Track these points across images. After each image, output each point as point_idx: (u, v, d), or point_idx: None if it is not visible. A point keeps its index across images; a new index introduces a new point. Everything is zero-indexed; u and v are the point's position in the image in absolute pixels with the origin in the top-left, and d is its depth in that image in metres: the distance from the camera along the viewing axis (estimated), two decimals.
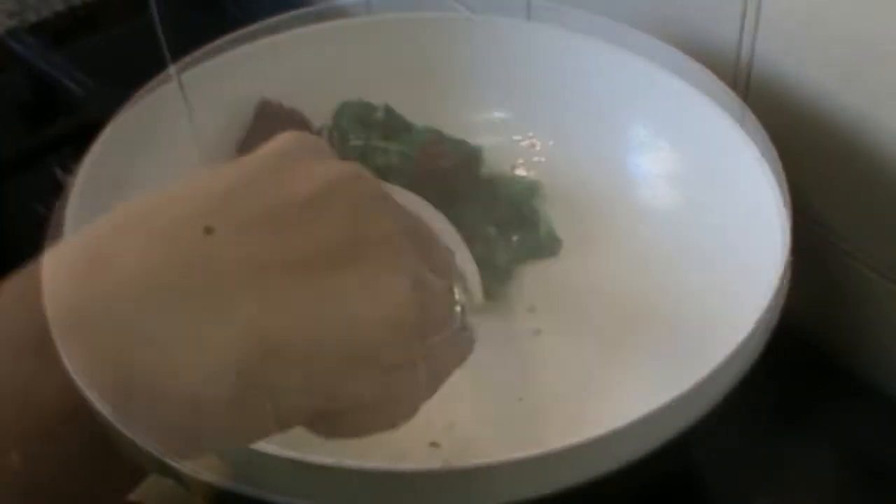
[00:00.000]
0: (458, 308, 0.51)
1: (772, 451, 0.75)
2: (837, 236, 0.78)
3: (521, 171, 0.85)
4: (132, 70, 0.58)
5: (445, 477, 0.57)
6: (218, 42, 0.80)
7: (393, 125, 0.82)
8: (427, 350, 0.49)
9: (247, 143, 0.80)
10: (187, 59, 0.78)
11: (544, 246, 0.80)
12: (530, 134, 0.85)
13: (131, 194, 0.75)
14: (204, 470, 0.57)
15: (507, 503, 0.57)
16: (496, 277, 0.78)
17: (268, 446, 0.56)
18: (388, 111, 0.82)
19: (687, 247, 0.76)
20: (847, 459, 0.76)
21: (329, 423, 0.48)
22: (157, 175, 0.77)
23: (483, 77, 0.84)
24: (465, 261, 0.62)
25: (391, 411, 0.50)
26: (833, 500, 0.74)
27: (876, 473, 0.75)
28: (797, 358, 0.78)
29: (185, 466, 0.57)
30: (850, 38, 0.71)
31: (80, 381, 0.61)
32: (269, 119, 0.81)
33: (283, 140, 0.48)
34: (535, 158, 0.85)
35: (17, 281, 0.46)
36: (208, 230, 0.45)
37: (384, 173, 0.77)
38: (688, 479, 0.74)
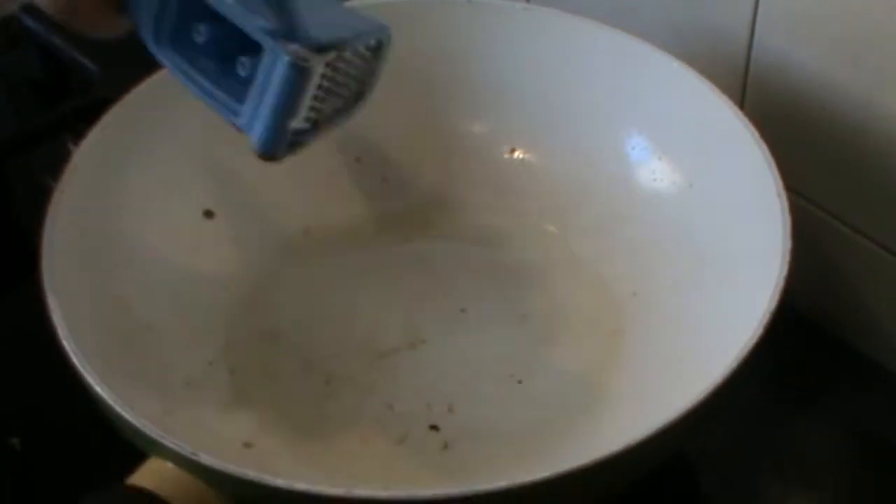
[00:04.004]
0: None
1: (777, 432, 0.75)
2: (840, 218, 0.78)
3: (518, 154, 0.85)
4: (145, 48, 0.58)
5: None
6: None
7: None
8: None
9: None
10: None
11: None
12: (528, 117, 0.85)
13: (131, 174, 0.75)
14: (202, 452, 0.57)
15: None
16: None
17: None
18: None
19: (686, 230, 0.76)
20: (854, 439, 0.76)
21: None
22: (159, 156, 0.77)
23: (483, 60, 0.84)
24: None
25: None
26: (841, 480, 0.74)
27: (884, 452, 0.75)
28: (801, 338, 0.79)
29: (184, 449, 0.57)
30: (852, 19, 0.71)
31: (81, 367, 0.61)
32: None
33: None
34: (533, 141, 0.85)
35: None
36: None
37: None
38: (693, 463, 0.74)
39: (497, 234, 0.82)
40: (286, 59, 0.53)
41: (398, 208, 0.84)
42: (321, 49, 0.54)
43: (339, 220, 0.83)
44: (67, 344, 0.62)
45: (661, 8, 0.82)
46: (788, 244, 0.66)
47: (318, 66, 0.54)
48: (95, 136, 0.74)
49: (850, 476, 0.74)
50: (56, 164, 0.72)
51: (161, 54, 0.58)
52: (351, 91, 0.58)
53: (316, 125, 0.57)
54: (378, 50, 0.58)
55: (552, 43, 0.83)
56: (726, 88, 0.75)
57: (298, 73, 0.54)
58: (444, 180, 0.84)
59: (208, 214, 0.79)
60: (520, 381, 0.73)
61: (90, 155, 0.73)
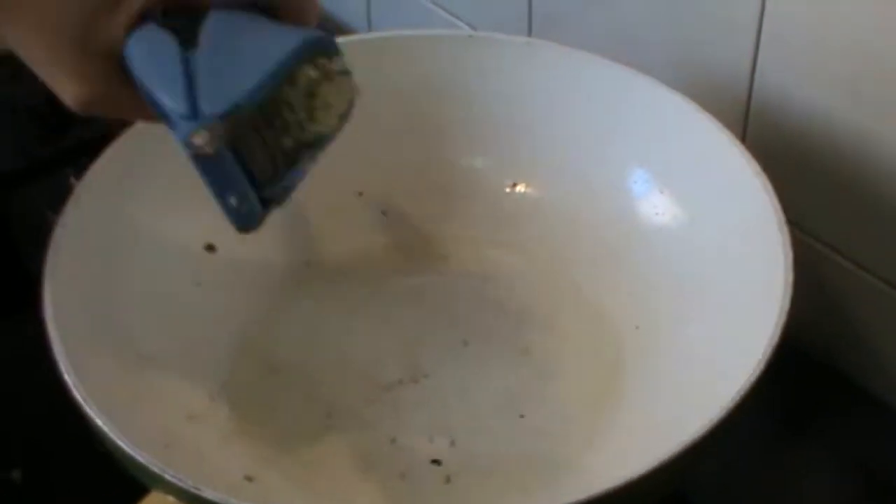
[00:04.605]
0: None
1: (777, 466, 0.75)
2: (841, 251, 0.78)
3: (519, 188, 0.85)
4: None
5: None
6: None
7: None
8: None
9: None
10: None
11: None
12: (530, 151, 0.85)
13: (133, 208, 0.75)
14: (203, 486, 0.57)
15: None
16: None
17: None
18: None
19: (688, 264, 0.76)
20: (855, 474, 0.76)
21: None
22: (160, 190, 0.77)
23: (484, 94, 0.84)
24: None
25: None
26: None
27: (884, 488, 0.75)
28: (802, 372, 0.78)
29: (185, 482, 0.57)
30: (852, 54, 0.71)
31: (82, 401, 0.61)
32: None
33: None
34: (534, 175, 0.85)
35: None
36: None
37: None
38: (689, 492, 0.73)
39: (498, 267, 0.82)
40: (186, 151, 0.52)
41: (399, 242, 0.84)
42: (220, 118, 0.52)
43: (340, 253, 0.83)
44: (69, 377, 0.62)
45: (663, 42, 0.82)
46: (790, 277, 0.66)
47: (218, 141, 0.52)
48: (97, 170, 0.74)
49: None
50: (58, 197, 0.72)
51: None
52: (309, 118, 0.55)
53: (281, 170, 0.55)
54: (317, 65, 0.55)
55: (554, 77, 0.83)
56: (728, 122, 0.76)
57: (202, 160, 0.52)
58: (445, 214, 0.85)
59: (210, 248, 0.79)
60: (521, 415, 0.73)
61: (92, 188, 0.73)
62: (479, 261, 0.83)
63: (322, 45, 0.55)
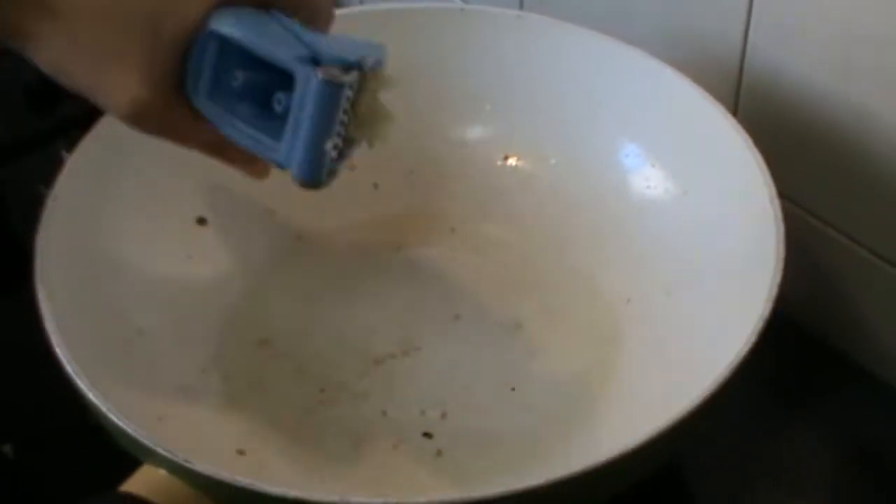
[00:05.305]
0: None
1: (771, 441, 0.75)
2: (833, 225, 0.78)
3: (511, 161, 0.85)
4: None
5: None
6: None
7: None
8: None
9: None
10: None
11: None
12: (522, 124, 0.85)
13: (125, 182, 0.75)
14: (195, 460, 0.57)
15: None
16: None
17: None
18: None
19: (680, 237, 0.76)
20: (848, 448, 0.76)
21: None
22: (152, 164, 0.77)
23: (476, 68, 0.84)
24: None
25: None
26: (830, 485, 0.74)
27: (877, 462, 0.75)
28: (795, 346, 0.79)
29: (177, 456, 0.57)
30: (843, 27, 0.71)
31: (74, 375, 0.61)
32: None
33: None
34: (526, 148, 0.85)
35: None
36: None
37: None
38: (683, 467, 0.74)
39: (491, 241, 0.82)
40: (318, 78, 0.55)
41: (391, 215, 0.83)
42: (348, 67, 0.56)
43: (332, 227, 0.82)
44: (60, 351, 0.62)
45: (654, 16, 0.82)
46: (782, 251, 0.66)
47: (347, 83, 0.56)
48: (89, 144, 0.74)
49: (845, 486, 0.74)
50: (49, 171, 0.72)
51: (199, 104, 0.59)
52: (361, 117, 0.59)
53: (341, 154, 0.58)
54: (378, 71, 0.59)
55: (546, 50, 0.83)
56: (720, 96, 0.75)
57: (331, 91, 0.56)
58: (437, 188, 0.84)
59: (201, 222, 0.79)
60: (513, 389, 0.73)
61: (84, 162, 0.73)
62: (471, 234, 0.83)
63: (382, 66, 0.59)
